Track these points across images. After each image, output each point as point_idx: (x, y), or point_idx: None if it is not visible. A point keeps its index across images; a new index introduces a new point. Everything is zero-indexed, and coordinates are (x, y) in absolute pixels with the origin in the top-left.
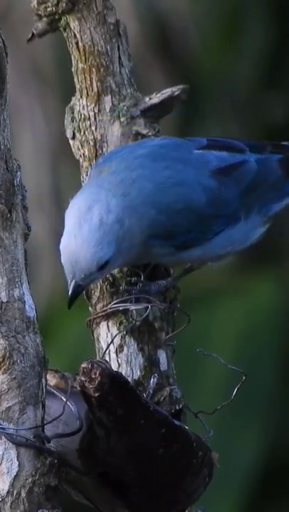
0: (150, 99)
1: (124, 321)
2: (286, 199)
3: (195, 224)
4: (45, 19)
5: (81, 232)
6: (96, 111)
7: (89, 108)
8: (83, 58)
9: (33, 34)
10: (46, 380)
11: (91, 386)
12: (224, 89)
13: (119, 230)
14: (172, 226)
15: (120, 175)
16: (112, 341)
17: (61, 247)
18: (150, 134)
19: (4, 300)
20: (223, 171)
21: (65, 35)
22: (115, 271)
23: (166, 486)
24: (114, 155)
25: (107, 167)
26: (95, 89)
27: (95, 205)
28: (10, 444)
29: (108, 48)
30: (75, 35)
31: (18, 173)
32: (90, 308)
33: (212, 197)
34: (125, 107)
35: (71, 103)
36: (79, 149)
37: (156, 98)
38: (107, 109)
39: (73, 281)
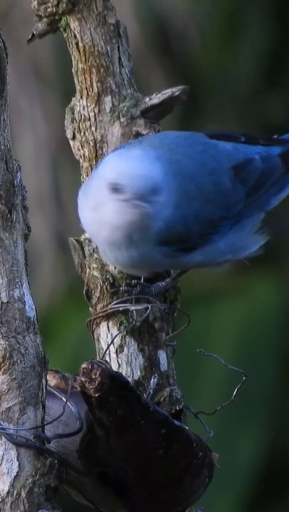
0: (150, 99)
1: (125, 321)
2: (284, 192)
3: (206, 227)
4: (45, 20)
5: (131, 158)
6: (96, 111)
7: (89, 109)
8: (83, 59)
9: (33, 34)
10: (46, 381)
11: (91, 386)
12: (224, 89)
13: (157, 172)
14: (186, 228)
15: (169, 146)
16: (112, 342)
17: (113, 170)
18: (150, 134)
19: (4, 300)
20: (234, 169)
21: (65, 35)
22: (115, 271)
23: (166, 486)
24: (149, 136)
25: (147, 140)
26: (95, 89)
27: (142, 151)
28: (10, 444)
29: (108, 48)
30: (75, 35)
31: (19, 173)
32: (90, 308)
33: (231, 191)
34: (125, 108)
35: (71, 103)
36: (79, 150)
37: (156, 98)
38: (107, 110)
39: (133, 200)
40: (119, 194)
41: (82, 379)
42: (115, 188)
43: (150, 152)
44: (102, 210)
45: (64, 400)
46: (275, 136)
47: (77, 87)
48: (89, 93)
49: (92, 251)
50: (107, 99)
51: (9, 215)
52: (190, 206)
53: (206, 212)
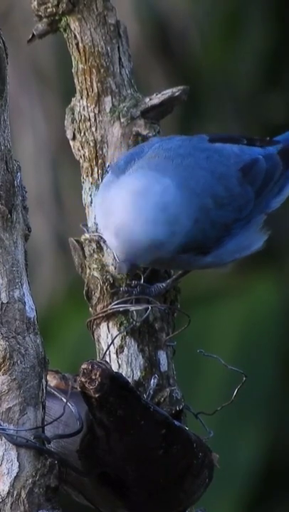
0: (150, 99)
1: (125, 321)
2: (284, 194)
3: (221, 231)
4: (45, 20)
5: (136, 209)
6: (96, 112)
7: (89, 109)
8: (83, 59)
9: (33, 35)
10: (47, 381)
11: (91, 387)
12: (224, 89)
13: (174, 212)
14: (204, 234)
15: (175, 160)
16: (112, 342)
17: (114, 225)
18: (150, 134)
19: (4, 301)
20: (242, 171)
21: (65, 36)
22: (115, 271)
23: (166, 486)
24: (157, 143)
25: (154, 154)
26: (95, 90)
27: (152, 184)
28: (10, 444)
29: (108, 48)
30: (75, 35)
31: (19, 173)
32: (90, 309)
33: (241, 193)
34: (125, 108)
35: (71, 104)
36: (79, 150)
37: (156, 99)
38: (108, 110)
39: (127, 262)
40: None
41: (83, 379)
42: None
43: (164, 181)
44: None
45: (64, 400)
46: (268, 138)
47: (77, 88)
48: (89, 93)
49: (92, 251)
50: (107, 100)
51: (9, 216)
52: (207, 217)
53: (221, 218)
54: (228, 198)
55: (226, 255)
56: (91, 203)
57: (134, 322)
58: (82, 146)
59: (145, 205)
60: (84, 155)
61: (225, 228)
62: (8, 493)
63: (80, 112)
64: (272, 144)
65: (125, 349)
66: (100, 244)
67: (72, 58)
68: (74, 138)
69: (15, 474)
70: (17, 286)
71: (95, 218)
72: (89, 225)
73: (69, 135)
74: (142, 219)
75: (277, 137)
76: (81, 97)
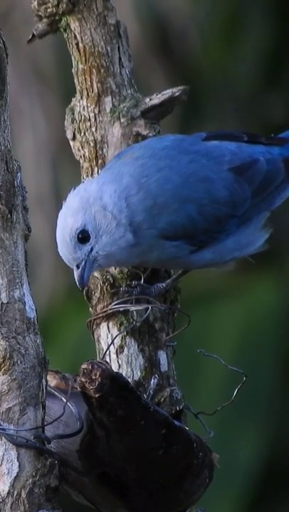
0: (150, 100)
1: (125, 321)
2: (286, 193)
3: (213, 224)
4: (45, 20)
5: (62, 211)
6: (96, 112)
7: (89, 109)
8: (83, 59)
9: (33, 35)
10: (47, 381)
11: (91, 387)
12: (224, 89)
13: (88, 200)
14: (192, 222)
15: (143, 161)
16: (112, 342)
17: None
18: (150, 134)
19: (5, 301)
20: (238, 169)
21: (65, 36)
22: (115, 271)
23: (166, 486)
24: (137, 145)
25: (129, 153)
26: (96, 90)
27: (82, 186)
28: (10, 444)
29: (108, 48)
30: (75, 36)
31: (19, 174)
32: (90, 309)
33: (231, 194)
34: (126, 108)
35: (71, 104)
36: (79, 150)
37: (156, 99)
38: (108, 110)
39: (74, 266)
40: None
41: (83, 379)
42: None
43: (91, 185)
44: None
45: (64, 400)
46: (272, 135)
47: (78, 88)
48: (89, 93)
49: None
50: (108, 100)
51: (9, 216)
52: (179, 209)
53: (209, 209)
54: (208, 199)
55: (226, 252)
56: None
57: (134, 322)
58: (82, 146)
59: (71, 200)
60: (84, 155)
61: (216, 222)
62: (8, 493)
63: (80, 112)
64: (279, 142)
65: (125, 349)
66: None
67: (72, 58)
68: (74, 138)
69: (15, 474)
70: (17, 287)
71: None
72: None
73: (69, 135)
74: (63, 216)
75: (280, 134)
76: (81, 97)
